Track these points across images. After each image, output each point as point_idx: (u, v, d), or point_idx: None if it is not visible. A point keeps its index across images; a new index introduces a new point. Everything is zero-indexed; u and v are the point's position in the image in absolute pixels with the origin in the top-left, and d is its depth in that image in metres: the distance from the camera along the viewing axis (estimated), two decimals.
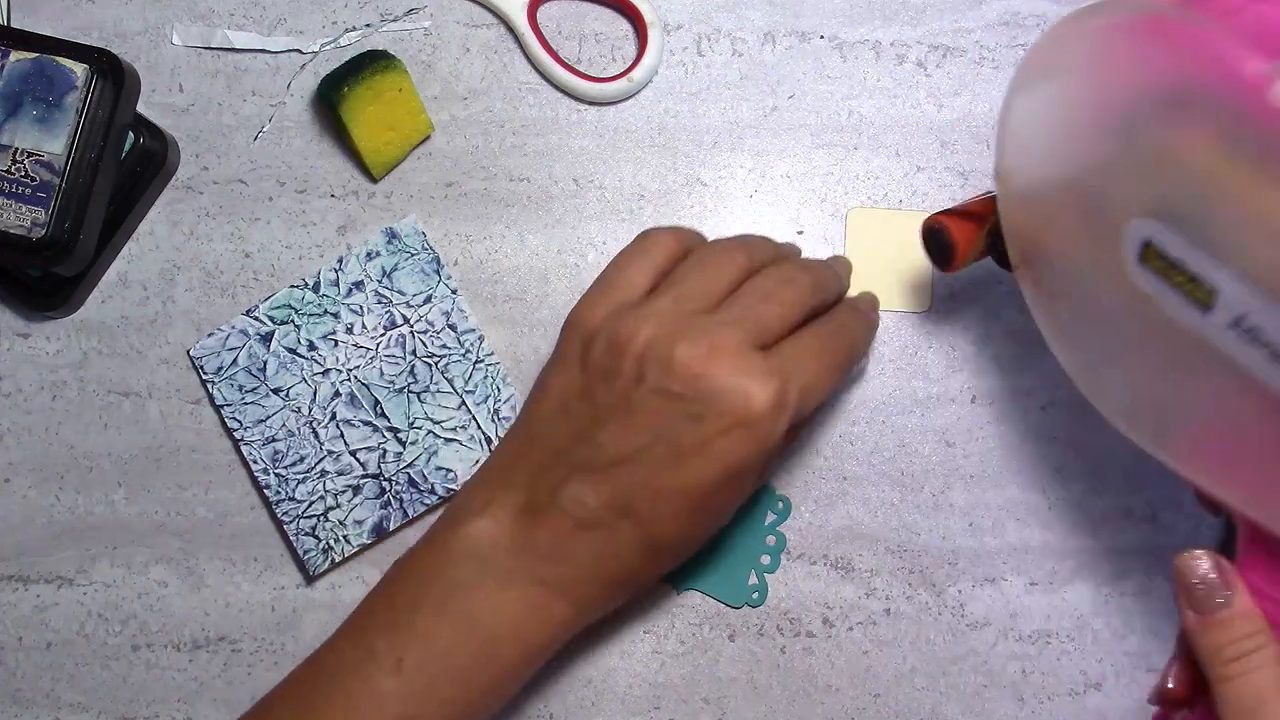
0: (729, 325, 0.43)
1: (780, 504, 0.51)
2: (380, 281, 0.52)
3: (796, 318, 0.45)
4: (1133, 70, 0.39)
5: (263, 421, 0.51)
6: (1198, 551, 0.40)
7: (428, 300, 0.52)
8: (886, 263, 0.52)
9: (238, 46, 0.53)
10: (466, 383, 0.51)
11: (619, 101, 0.53)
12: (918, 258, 0.51)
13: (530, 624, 0.43)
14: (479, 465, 0.49)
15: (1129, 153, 0.39)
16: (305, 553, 0.50)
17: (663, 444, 0.42)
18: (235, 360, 0.51)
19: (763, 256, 0.47)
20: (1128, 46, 0.39)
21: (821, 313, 0.47)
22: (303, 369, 0.51)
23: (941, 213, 0.48)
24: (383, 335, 0.51)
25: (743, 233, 0.49)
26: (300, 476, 0.50)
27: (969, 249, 0.47)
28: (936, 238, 0.47)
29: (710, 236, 0.53)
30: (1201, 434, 0.42)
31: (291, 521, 0.50)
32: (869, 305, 0.50)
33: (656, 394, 0.42)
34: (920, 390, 0.52)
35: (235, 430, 0.51)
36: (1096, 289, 0.42)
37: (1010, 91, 0.44)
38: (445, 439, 0.51)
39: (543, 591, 0.43)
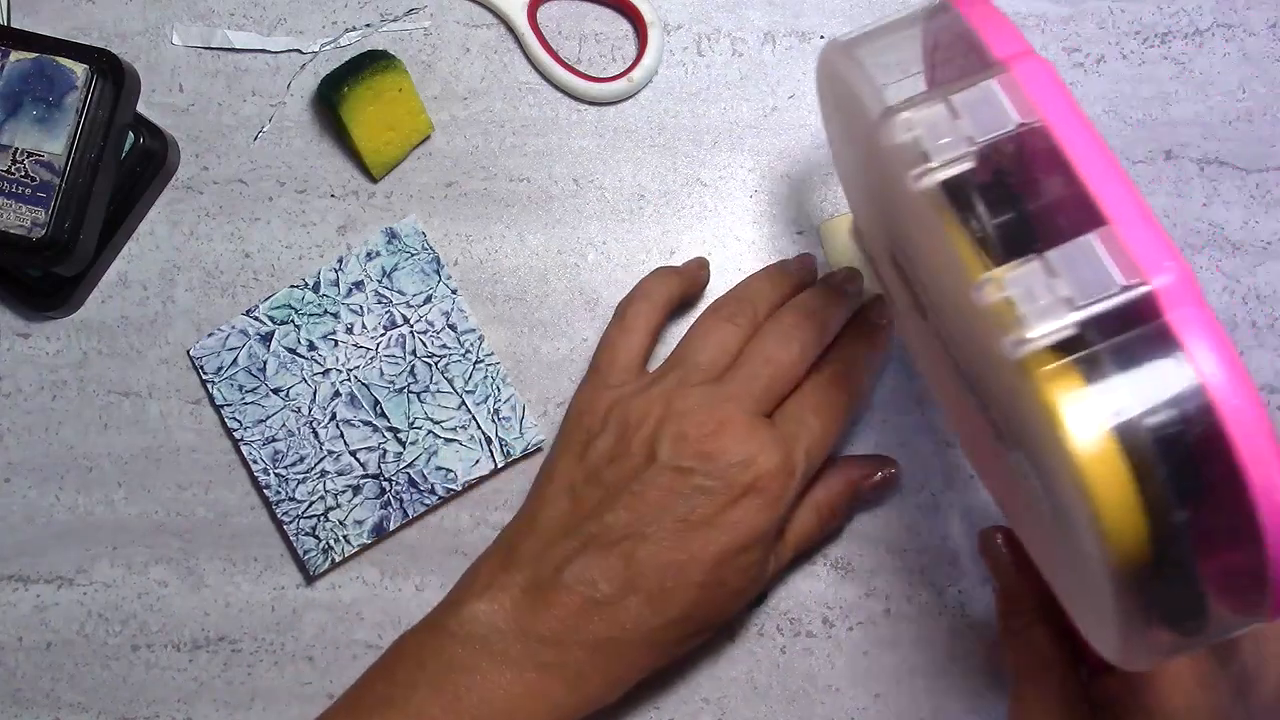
0: (734, 399, 0.44)
1: None
2: (380, 281, 0.52)
3: (800, 374, 0.46)
4: (828, 103, 0.43)
5: (263, 421, 0.51)
6: (998, 531, 0.44)
7: (428, 300, 0.52)
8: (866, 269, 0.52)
9: (238, 46, 0.53)
10: (466, 383, 0.51)
11: (619, 101, 0.53)
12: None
13: (525, 709, 0.43)
14: (483, 555, 0.49)
15: (860, 163, 0.41)
16: (305, 553, 0.50)
17: (672, 518, 0.43)
18: (235, 360, 0.51)
19: (765, 307, 0.48)
20: (824, 84, 0.42)
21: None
22: (303, 369, 0.51)
23: None
24: (383, 335, 0.51)
25: (743, 281, 0.50)
26: (300, 476, 0.50)
27: None
28: None
29: (711, 235, 0.53)
30: (965, 434, 0.46)
31: (291, 521, 0.50)
32: (879, 316, 0.50)
33: (666, 471, 0.43)
34: (920, 390, 0.52)
35: (235, 430, 0.51)
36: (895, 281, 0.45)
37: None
38: (445, 439, 0.51)
39: (541, 676, 0.43)
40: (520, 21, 0.53)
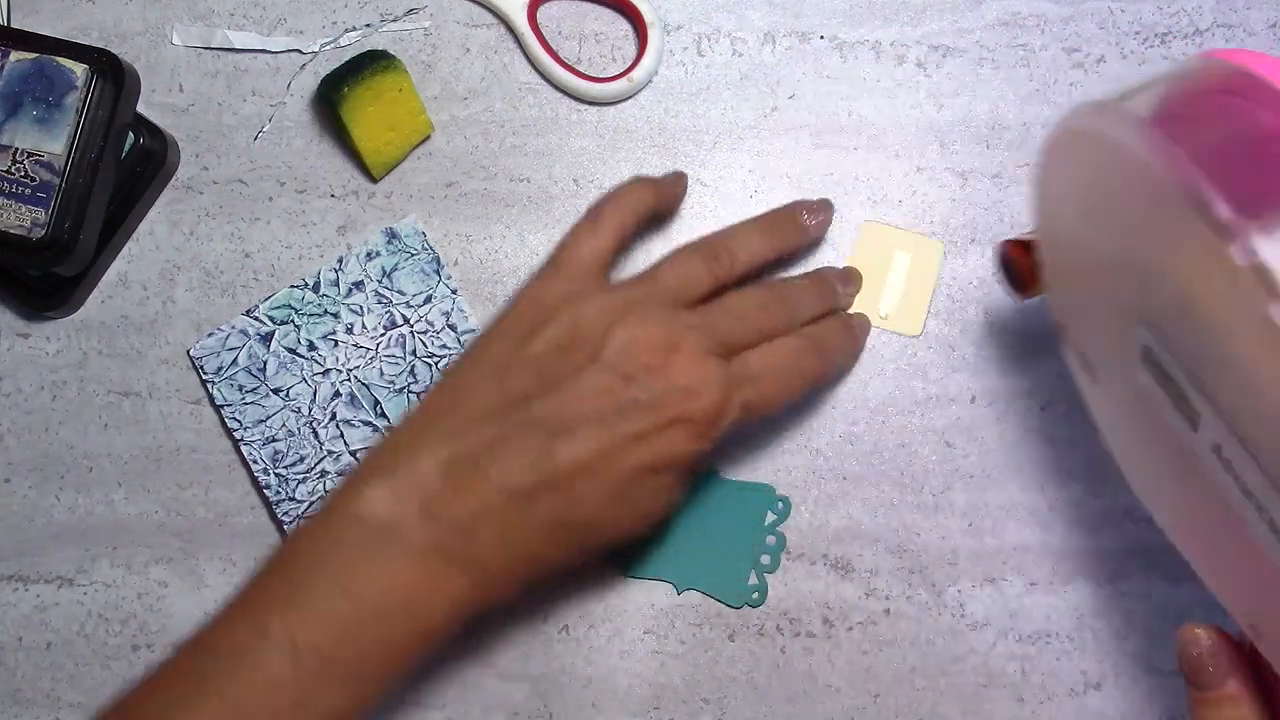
0: (694, 329, 0.44)
1: (780, 504, 0.51)
2: (380, 281, 0.52)
3: (765, 338, 0.46)
4: (1118, 182, 0.37)
5: (263, 421, 0.51)
6: (1199, 629, 0.39)
7: (428, 300, 0.52)
8: (888, 281, 0.52)
9: (238, 46, 0.53)
10: None
11: (619, 101, 0.53)
12: (919, 281, 0.51)
13: (428, 601, 0.41)
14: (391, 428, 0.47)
15: (1129, 255, 0.37)
16: None
17: (600, 422, 0.42)
18: (235, 360, 0.51)
19: (744, 263, 0.47)
20: (1077, 155, 0.38)
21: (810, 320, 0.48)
22: (303, 369, 0.51)
23: (1016, 241, 0.47)
24: (383, 335, 0.51)
25: (731, 226, 0.49)
26: (300, 476, 0.50)
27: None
28: (1015, 265, 0.47)
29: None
30: (1190, 531, 0.42)
31: (291, 522, 0.50)
32: (860, 328, 0.50)
33: (608, 373, 0.42)
34: (920, 390, 0.52)
35: (235, 430, 0.51)
36: (1112, 365, 0.41)
37: (1044, 152, 0.41)
38: None
39: (445, 566, 0.41)
40: (520, 21, 0.53)
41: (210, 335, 0.51)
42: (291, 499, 0.50)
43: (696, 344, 0.43)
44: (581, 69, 0.53)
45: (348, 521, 0.41)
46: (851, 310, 0.51)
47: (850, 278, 0.50)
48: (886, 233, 0.52)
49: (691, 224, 0.53)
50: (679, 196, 0.51)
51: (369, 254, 0.52)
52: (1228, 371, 0.33)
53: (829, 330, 0.48)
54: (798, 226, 0.50)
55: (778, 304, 0.47)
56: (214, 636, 0.41)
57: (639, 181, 0.49)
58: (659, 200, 0.49)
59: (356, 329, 0.51)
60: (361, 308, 0.52)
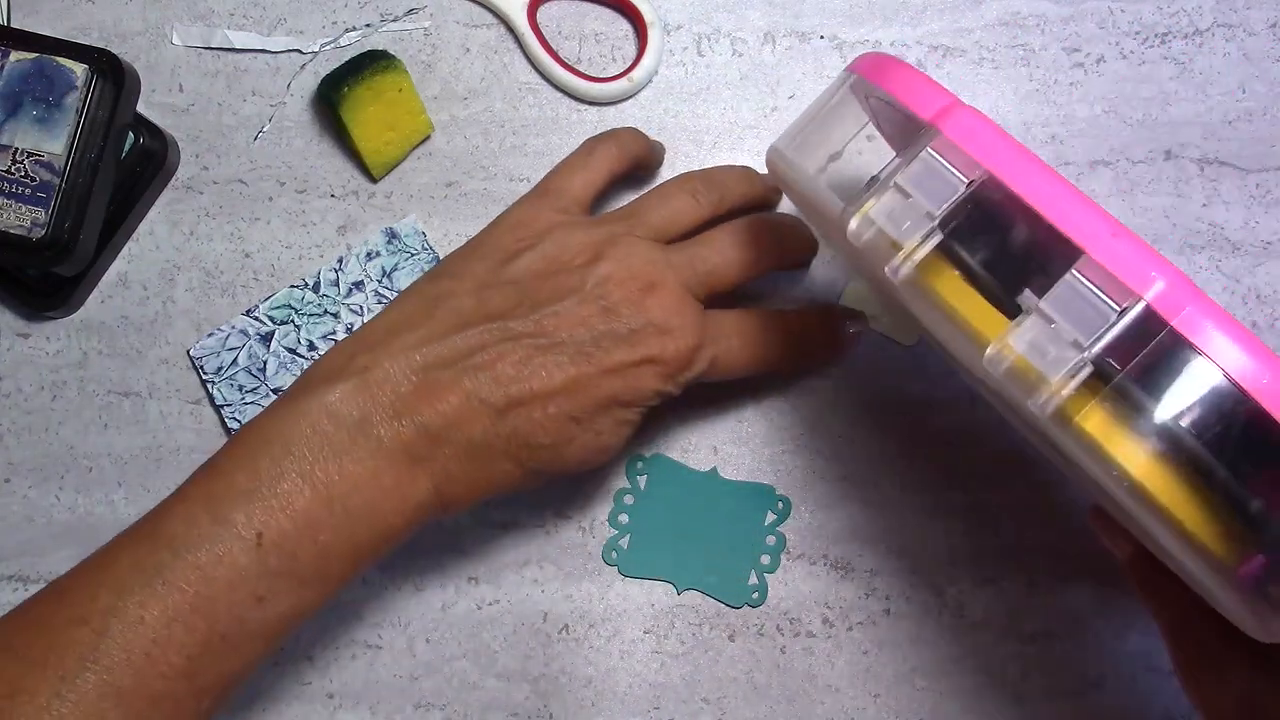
0: (677, 268, 0.44)
1: (780, 504, 0.51)
2: (380, 281, 0.52)
3: (746, 278, 0.46)
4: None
5: None
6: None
7: None
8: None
9: (238, 46, 0.53)
10: None
11: (619, 101, 0.53)
12: None
13: (392, 503, 0.41)
14: (356, 327, 0.46)
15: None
16: None
17: (576, 348, 0.42)
18: (235, 360, 0.51)
19: (728, 202, 0.48)
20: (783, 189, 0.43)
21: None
22: (303, 369, 0.51)
23: None
24: None
25: (714, 167, 0.50)
26: None
27: None
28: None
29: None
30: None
31: None
32: (845, 327, 0.50)
33: (589, 302, 0.43)
34: (920, 390, 0.52)
35: (235, 430, 0.51)
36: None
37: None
38: None
39: (411, 469, 0.41)
40: (520, 21, 0.53)
41: (210, 335, 0.51)
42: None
43: (677, 282, 0.44)
44: (581, 69, 0.53)
45: (317, 415, 0.40)
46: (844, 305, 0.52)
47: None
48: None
49: None
50: (659, 160, 0.52)
51: (369, 254, 0.52)
52: (933, 334, 0.38)
53: (809, 321, 0.49)
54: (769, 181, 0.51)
55: (767, 235, 0.47)
56: (171, 527, 0.39)
57: (633, 130, 0.51)
58: (647, 153, 0.51)
59: (356, 329, 0.51)
60: (361, 308, 0.51)
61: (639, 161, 0.50)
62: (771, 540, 0.51)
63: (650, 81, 0.54)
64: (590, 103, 0.53)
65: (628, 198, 0.49)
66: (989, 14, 0.54)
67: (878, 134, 0.41)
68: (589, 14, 0.54)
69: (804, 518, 0.51)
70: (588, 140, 0.49)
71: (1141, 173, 0.53)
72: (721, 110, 0.54)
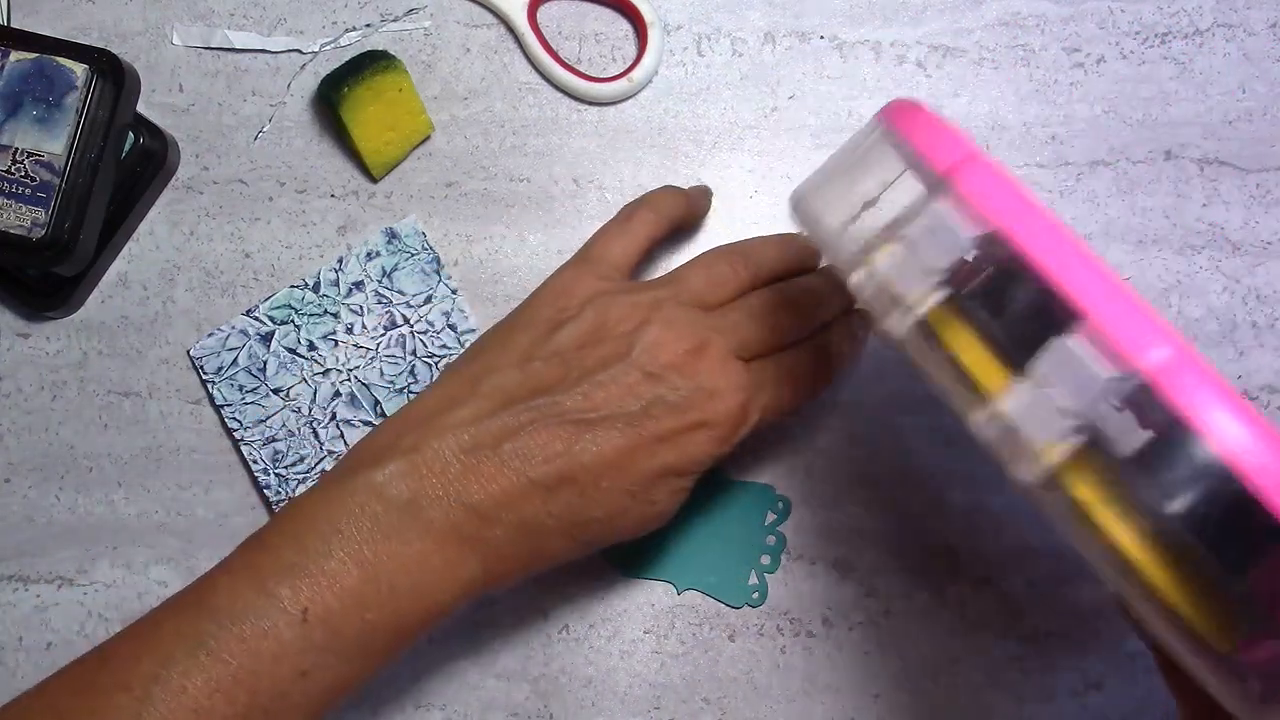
0: (719, 331, 0.44)
1: (780, 504, 0.51)
2: (380, 281, 0.52)
3: (784, 342, 0.46)
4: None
5: (263, 421, 0.51)
6: None
7: (428, 300, 0.52)
8: None
9: (238, 46, 0.53)
10: None
11: (619, 101, 0.53)
12: None
13: (441, 582, 0.41)
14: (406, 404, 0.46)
15: None
16: None
17: (626, 419, 0.42)
18: (235, 360, 0.51)
19: (767, 270, 0.47)
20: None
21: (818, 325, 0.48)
22: (303, 369, 0.51)
23: None
24: (383, 335, 0.51)
25: (753, 237, 0.49)
26: (300, 477, 0.50)
27: None
28: None
29: (703, 244, 0.53)
30: None
31: None
32: (863, 327, 0.50)
33: (635, 370, 0.42)
34: (920, 390, 0.52)
35: (235, 430, 0.51)
36: None
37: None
38: None
39: (460, 549, 0.41)
40: (520, 21, 0.53)
41: (210, 335, 0.51)
42: (291, 499, 0.50)
43: (722, 346, 0.44)
44: (581, 69, 0.53)
45: (365, 495, 0.40)
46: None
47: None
48: None
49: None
50: (704, 211, 0.52)
51: (369, 254, 0.52)
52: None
53: (837, 338, 0.49)
54: (813, 251, 0.50)
55: (803, 300, 0.47)
56: (216, 599, 0.39)
57: (672, 190, 0.50)
58: (688, 211, 0.50)
59: (356, 329, 0.51)
60: (361, 308, 0.52)
61: (678, 224, 0.50)
62: (771, 540, 0.51)
63: (650, 81, 0.54)
64: (590, 103, 0.53)
65: (669, 261, 0.49)
66: (989, 14, 0.54)
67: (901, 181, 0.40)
68: (589, 14, 0.54)
69: (804, 518, 0.51)
70: (626, 206, 0.49)
71: (1141, 173, 0.53)
72: (721, 110, 0.54)
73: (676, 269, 0.47)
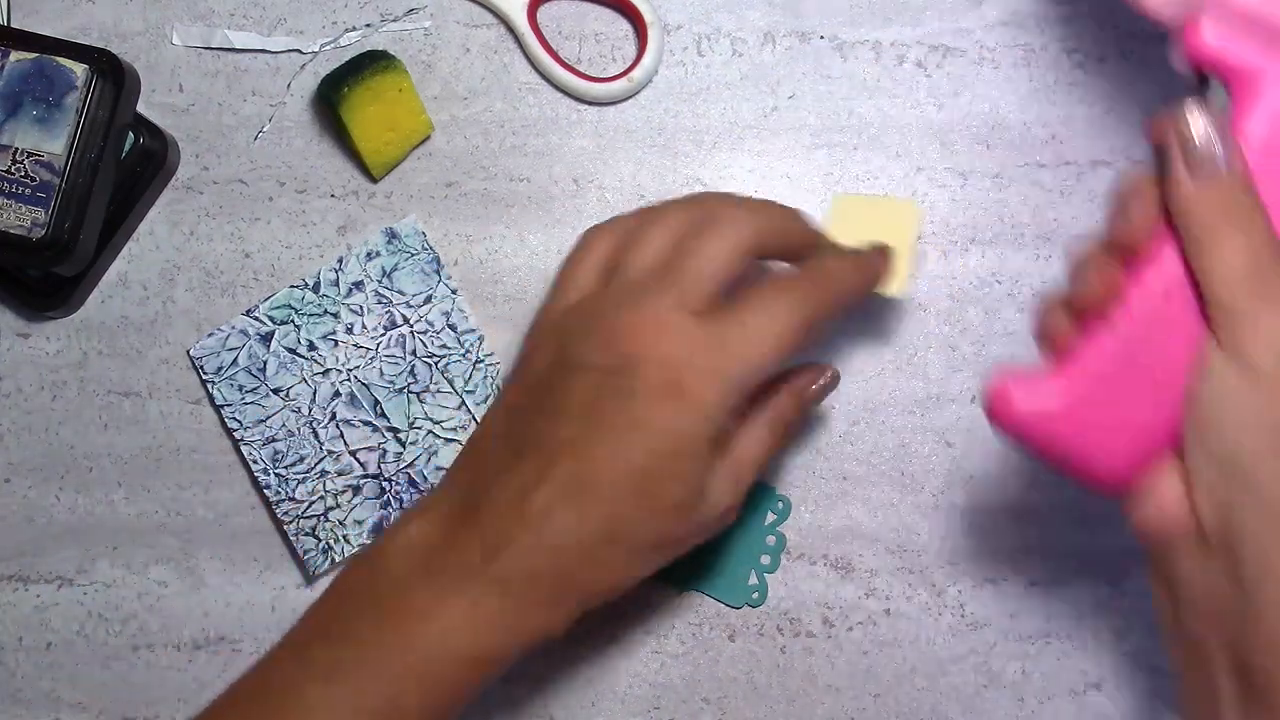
0: (655, 293, 0.41)
1: (780, 504, 0.51)
2: (380, 281, 0.52)
3: (736, 264, 0.42)
4: None
5: (263, 421, 0.51)
6: (1193, 107, 0.36)
7: (428, 300, 0.52)
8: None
9: (238, 46, 0.53)
10: (466, 383, 0.51)
11: (619, 101, 0.53)
12: (898, 243, 0.48)
13: (471, 631, 0.39)
14: None
15: None
16: (305, 553, 0.50)
17: (596, 422, 0.40)
18: (235, 360, 0.51)
19: (705, 212, 0.43)
20: None
21: (797, 258, 0.44)
22: (303, 369, 0.51)
23: None
24: (383, 335, 0.51)
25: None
26: (300, 476, 0.50)
27: None
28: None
29: None
30: None
31: (291, 521, 0.50)
32: (876, 253, 0.46)
33: (591, 372, 0.40)
34: (920, 390, 0.52)
35: (235, 430, 0.51)
36: None
37: None
38: (445, 439, 0.51)
39: (484, 593, 0.39)
40: (520, 21, 0.53)
41: (210, 335, 0.51)
42: (291, 499, 0.50)
43: (666, 312, 0.40)
44: (581, 69, 0.53)
45: (384, 556, 0.41)
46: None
47: (870, 258, 0.47)
48: (859, 202, 0.52)
49: None
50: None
51: (369, 254, 0.52)
52: None
53: (827, 260, 0.45)
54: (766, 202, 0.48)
55: (741, 214, 0.43)
56: (266, 670, 0.41)
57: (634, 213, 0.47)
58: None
59: (356, 329, 0.51)
60: (361, 308, 0.52)
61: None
62: (771, 540, 0.51)
63: (650, 81, 0.54)
64: (590, 103, 0.53)
65: None
66: (989, 14, 0.54)
67: None
68: (589, 14, 0.54)
69: (804, 518, 0.51)
70: (583, 232, 0.45)
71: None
72: (721, 110, 0.54)
73: (620, 251, 0.44)
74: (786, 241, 0.44)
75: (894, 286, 0.48)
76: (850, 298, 0.45)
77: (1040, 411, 0.38)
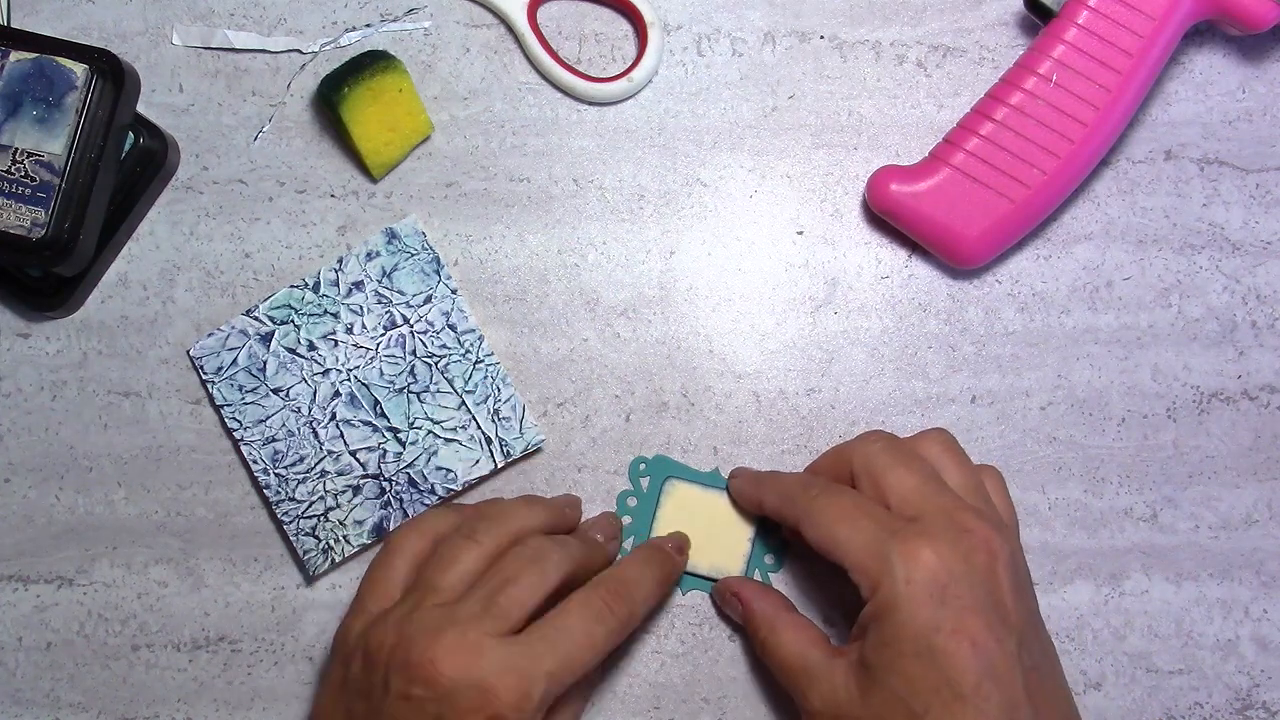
0: (464, 620, 0.42)
1: None
2: (380, 281, 0.52)
3: (545, 593, 0.43)
4: None
5: (263, 421, 0.51)
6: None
7: (428, 300, 0.52)
8: (700, 532, 0.51)
9: (238, 46, 0.53)
10: (466, 383, 0.51)
11: (619, 101, 0.53)
12: (729, 534, 0.51)
13: None
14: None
15: None
16: (305, 553, 0.50)
17: None
18: (235, 360, 0.51)
19: (515, 529, 0.46)
20: None
21: (597, 569, 0.46)
22: (303, 369, 0.51)
23: None
24: (382, 335, 0.51)
25: (521, 496, 0.49)
26: (300, 476, 0.50)
27: None
28: None
29: (710, 235, 0.53)
30: None
31: (291, 522, 0.50)
32: (676, 546, 0.49)
33: (399, 701, 0.41)
34: (920, 390, 0.52)
35: (235, 430, 0.51)
36: None
37: None
38: (445, 439, 0.51)
39: None
40: (520, 21, 0.53)
41: (210, 335, 0.51)
42: (291, 499, 0.50)
43: (471, 633, 0.41)
44: (581, 69, 0.53)
45: None
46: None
47: (606, 523, 0.50)
48: (690, 490, 0.51)
49: (692, 224, 0.53)
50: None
51: (369, 254, 0.52)
52: None
53: (626, 566, 0.46)
54: (573, 507, 0.50)
55: (550, 550, 0.44)
56: None
57: (438, 509, 0.49)
58: (457, 522, 0.48)
59: (356, 329, 0.51)
60: (361, 308, 0.52)
61: (446, 534, 0.47)
62: (771, 540, 0.51)
63: (650, 81, 0.54)
64: (590, 103, 0.53)
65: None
66: (989, 14, 0.54)
67: None
68: (589, 14, 0.54)
69: None
70: (387, 536, 0.47)
71: (1141, 173, 0.53)
72: (721, 110, 0.54)
73: (424, 566, 0.45)
74: (592, 572, 0.46)
75: (734, 566, 0.51)
76: (651, 602, 0.46)
77: (908, 193, 0.50)
